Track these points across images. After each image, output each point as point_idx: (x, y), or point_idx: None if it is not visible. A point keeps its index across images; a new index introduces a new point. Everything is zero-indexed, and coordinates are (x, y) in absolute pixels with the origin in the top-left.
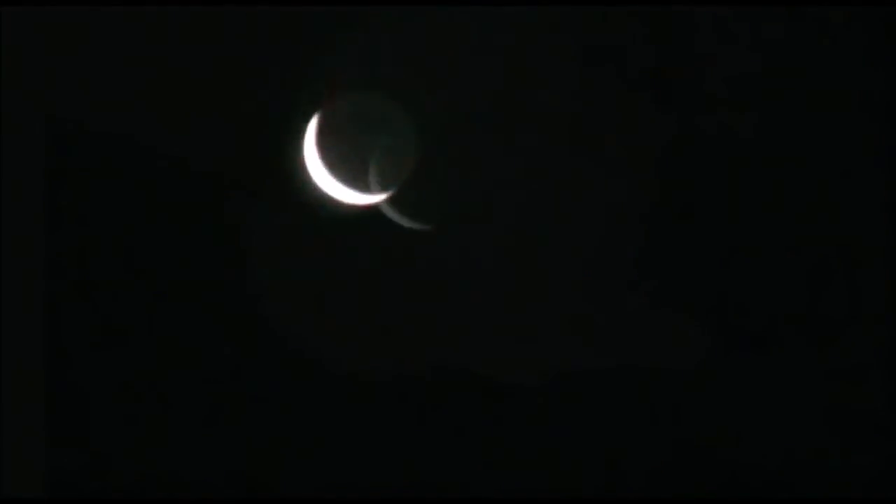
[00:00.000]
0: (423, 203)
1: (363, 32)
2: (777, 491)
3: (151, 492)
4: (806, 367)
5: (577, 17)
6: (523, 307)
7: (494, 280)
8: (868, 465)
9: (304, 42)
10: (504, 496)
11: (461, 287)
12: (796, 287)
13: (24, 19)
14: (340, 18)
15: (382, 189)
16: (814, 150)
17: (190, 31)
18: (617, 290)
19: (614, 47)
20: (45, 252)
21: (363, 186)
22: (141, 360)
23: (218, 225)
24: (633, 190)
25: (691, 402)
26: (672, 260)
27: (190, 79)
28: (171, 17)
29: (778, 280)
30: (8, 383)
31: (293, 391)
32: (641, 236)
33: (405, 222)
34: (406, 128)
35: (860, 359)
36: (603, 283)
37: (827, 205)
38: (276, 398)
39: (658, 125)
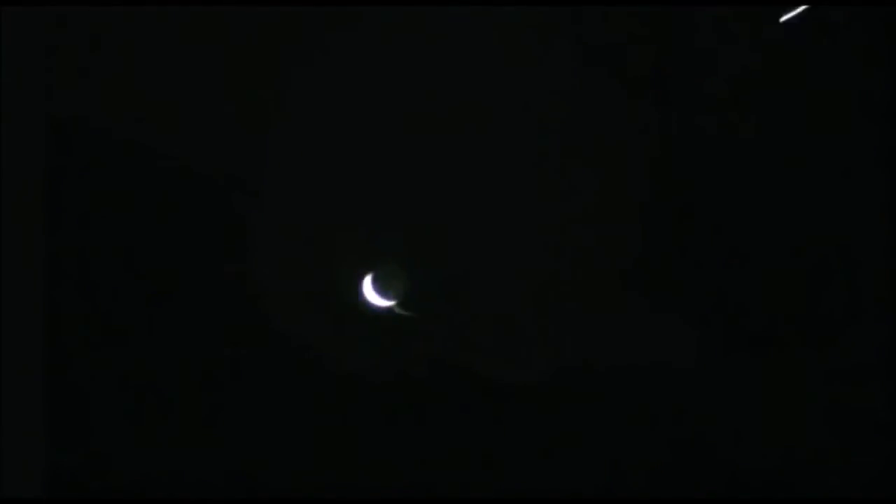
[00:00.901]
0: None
1: (361, 33)
2: (777, 491)
3: (151, 492)
4: (806, 368)
5: (577, 17)
6: (523, 307)
7: (494, 280)
8: (868, 465)
9: (304, 42)
10: (504, 496)
11: (462, 287)
12: (796, 287)
13: (24, 19)
14: (339, 19)
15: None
16: (814, 150)
17: (191, 31)
18: (617, 290)
19: (614, 47)
20: (45, 252)
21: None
22: (141, 360)
23: (218, 225)
24: (632, 190)
25: (691, 402)
26: (672, 260)
27: (190, 79)
28: (171, 17)
29: (778, 280)
30: (8, 383)
31: (293, 391)
32: (641, 236)
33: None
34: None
35: (860, 359)
36: (603, 284)
37: (827, 205)
38: (277, 398)
39: (658, 125)
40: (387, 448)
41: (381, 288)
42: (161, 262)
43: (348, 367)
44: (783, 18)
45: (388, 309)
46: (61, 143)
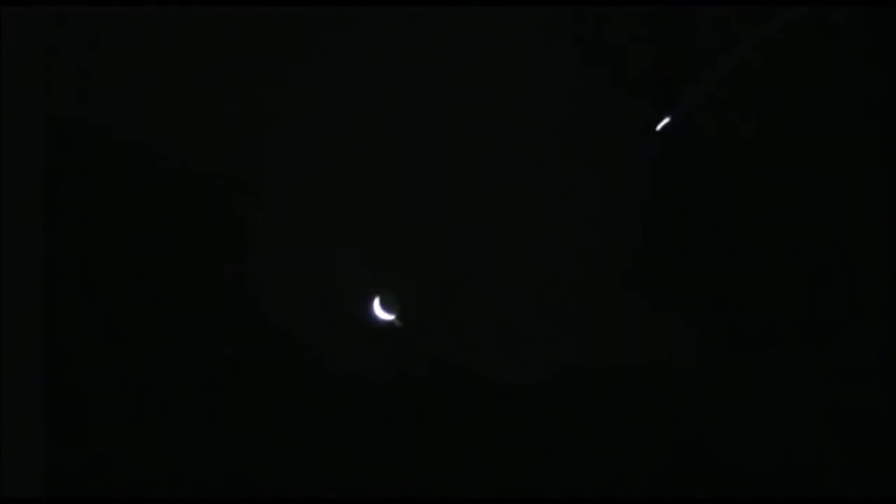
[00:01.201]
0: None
1: (361, 33)
2: (777, 491)
3: (151, 492)
4: (806, 368)
5: (577, 16)
6: (523, 307)
7: (494, 280)
8: (868, 465)
9: (304, 42)
10: (504, 496)
11: (462, 287)
12: (796, 287)
13: (24, 19)
14: (339, 19)
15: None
16: (814, 149)
17: (191, 31)
18: (617, 290)
19: (614, 47)
20: (45, 252)
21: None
22: (141, 360)
23: (219, 225)
24: (632, 190)
25: (691, 402)
26: (672, 260)
27: (191, 78)
28: (171, 17)
29: (778, 280)
30: (8, 383)
31: (293, 391)
32: (641, 236)
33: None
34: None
35: (860, 359)
36: (602, 284)
37: (827, 205)
38: (277, 398)
39: (658, 125)
40: (387, 448)
41: (382, 307)
42: (161, 263)
43: (348, 367)
44: (659, 126)
45: (390, 323)
46: (61, 143)
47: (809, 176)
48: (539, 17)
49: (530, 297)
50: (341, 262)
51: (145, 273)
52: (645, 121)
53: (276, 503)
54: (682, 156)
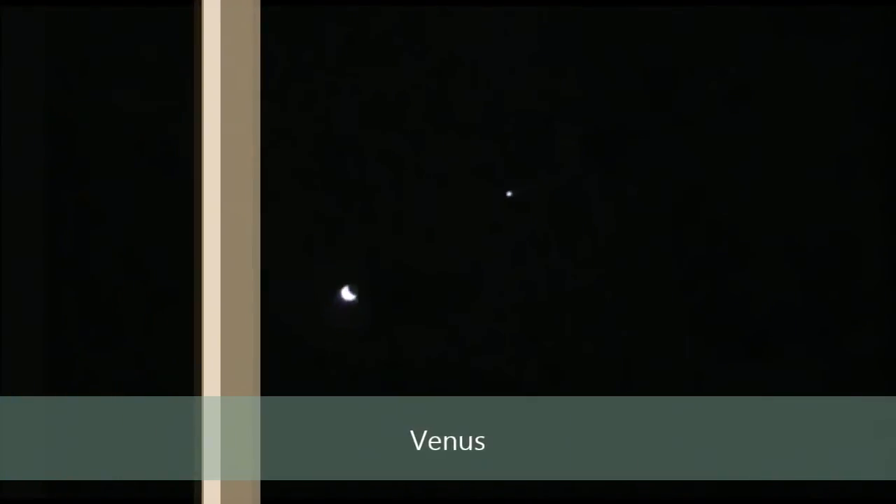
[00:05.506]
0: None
1: (361, 34)
2: (777, 491)
3: (151, 492)
4: (806, 368)
5: (576, 17)
6: (524, 307)
7: (495, 280)
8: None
9: (304, 42)
10: (504, 496)
11: (462, 287)
12: (796, 287)
13: (24, 19)
14: (340, 19)
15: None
16: (814, 149)
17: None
18: (617, 291)
19: (615, 47)
20: (45, 252)
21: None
22: (141, 360)
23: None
24: (633, 191)
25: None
26: (672, 260)
27: (192, 76)
28: (171, 17)
29: (778, 280)
30: (8, 383)
31: (292, 391)
32: (641, 236)
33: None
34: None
35: (860, 359)
36: (600, 284)
37: (827, 205)
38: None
39: (658, 126)
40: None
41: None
42: (162, 262)
43: (348, 367)
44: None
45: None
46: (61, 143)
47: (810, 176)
48: (539, 18)
49: (531, 297)
50: (341, 261)
51: (146, 273)
52: (644, 121)
53: (276, 503)
54: (682, 156)
